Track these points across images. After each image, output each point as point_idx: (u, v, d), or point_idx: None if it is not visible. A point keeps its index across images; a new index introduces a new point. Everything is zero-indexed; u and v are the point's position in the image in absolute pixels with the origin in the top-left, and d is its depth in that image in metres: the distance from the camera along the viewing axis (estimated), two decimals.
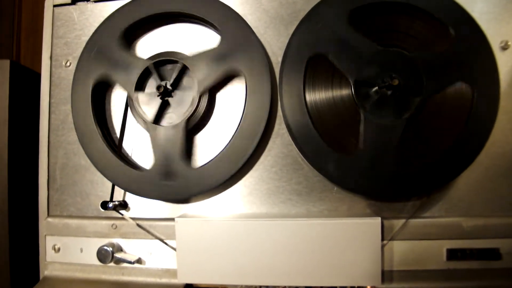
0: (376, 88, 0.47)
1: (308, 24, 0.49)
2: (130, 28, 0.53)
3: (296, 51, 0.49)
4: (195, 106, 0.50)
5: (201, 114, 0.51)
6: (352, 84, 0.47)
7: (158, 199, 0.53)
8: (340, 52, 0.48)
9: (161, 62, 0.52)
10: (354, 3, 0.48)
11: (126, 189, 0.53)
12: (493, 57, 0.46)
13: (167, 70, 0.52)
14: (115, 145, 0.54)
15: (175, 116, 0.52)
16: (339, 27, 0.48)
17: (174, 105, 0.52)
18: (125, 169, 0.51)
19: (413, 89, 0.46)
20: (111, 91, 0.56)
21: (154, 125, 0.50)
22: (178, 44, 0.54)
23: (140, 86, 0.52)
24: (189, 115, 0.50)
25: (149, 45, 0.55)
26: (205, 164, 0.50)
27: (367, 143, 0.46)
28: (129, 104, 0.54)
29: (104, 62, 0.52)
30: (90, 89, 0.52)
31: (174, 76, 0.51)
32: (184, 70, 0.51)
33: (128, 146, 0.55)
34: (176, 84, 0.52)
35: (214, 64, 0.50)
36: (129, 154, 0.55)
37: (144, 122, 0.52)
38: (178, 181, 0.49)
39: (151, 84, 0.52)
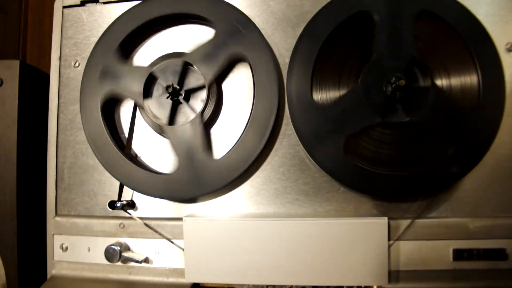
0: (386, 92, 0.47)
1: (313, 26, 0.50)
2: (126, 40, 0.53)
3: (304, 52, 0.49)
4: (206, 98, 0.50)
5: (213, 106, 0.52)
6: (360, 95, 0.47)
7: (188, 198, 0.52)
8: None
9: (164, 65, 0.52)
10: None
11: (150, 194, 0.52)
12: (498, 58, 0.47)
13: (171, 72, 0.52)
14: (123, 146, 0.55)
15: (188, 113, 0.52)
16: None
17: (185, 103, 0.52)
18: (148, 174, 0.51)
19: (420, 84, 0.47)
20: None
21: (171, 126, 0.51)
22: (178, 46, 0.55)
23: (147, 93, 0.52)
24: (203, 108, 0.50)
25: (150, 52, 0.56)
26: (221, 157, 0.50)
27: (377, 143, 0.47)
28: (140, 112, 0.54)
29: (108, 81, 0.52)
30: (99, 107, 0.52)
31: (179, 74, 0.51)
32: (186, 68, 0.52)
33: (145, 151, 0.55)
34: (182, 82, 0.52)
35: (215, 53, 0.50)
36: (142, 158, 0.55)
37: (159, 126, 0.52)
38: (206, 174, 0.49)
39: (158, 90, 0.52)
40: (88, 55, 0.54)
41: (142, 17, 0.53)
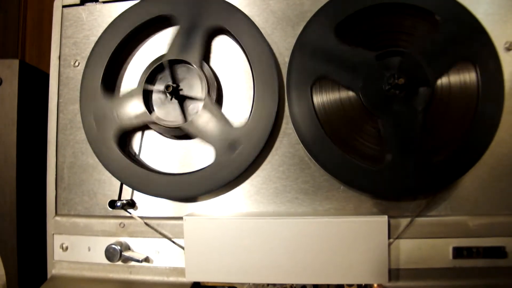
0: (385, 91, 0.47)
1: (298, 53, 0.50)
2: (105, 76, 0.53)
3: (303, 51, 0.49)
4: (205, 79, 0.50)
5: (215, 86, 0.52)
6: (360, 96, 0.48)
7: (188, 197, 0.52)
8: (337, 69, 0.48)
9: (151, 75, 0.52)
10: (341, 14, 0.49)
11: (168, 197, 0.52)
12: (497, 57, 0.47)
13: (160, 79, 0.53)
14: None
15: (196, 103, 0.52)
16: (329, 44, 0.49)
17: (189, 95, 0.52)
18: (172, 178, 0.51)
19: (419, 81, 0.47)
20: (119, 91, 0.56)
21: (189, 121, 0.50)
22: (156, 54, 0.55)
23: (149, 109, 0.52)
24: (206, 89, 0.50)
25: (133, 74, 0.56)
26: (211, 164, 0.50)
27: (390, 145, 0.47)
28: (152, 128, 0.53)
29: (109, 122, 0.52)
30: (116, 145, 0.52)
31: (169, 75, 0.52)
32: (172, 66, 0.52)
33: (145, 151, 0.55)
34: (175, 80, 0.52)
35: (189, 38, 0.51)
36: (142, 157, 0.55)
37: (177, 130, 0.51)
38: (243, 143, 0.49)
39: (157, 99, 0.53)
40: (88, 54, 0.54)
41: (111, 44, 0.53)
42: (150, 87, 0.52)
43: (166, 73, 0.52)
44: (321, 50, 0.49)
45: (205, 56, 0.53)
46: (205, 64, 0.52)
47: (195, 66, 0.51)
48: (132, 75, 0.56)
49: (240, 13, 0.52)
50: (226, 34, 0.54)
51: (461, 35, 0.47)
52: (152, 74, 0.52)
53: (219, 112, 0.50)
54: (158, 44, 0.56)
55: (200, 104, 0.51)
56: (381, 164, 0.47)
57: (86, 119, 0.53)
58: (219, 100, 0.53)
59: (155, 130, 0.54)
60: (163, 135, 0.54)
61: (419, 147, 0.46)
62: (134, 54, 0.56)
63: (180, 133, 0.52)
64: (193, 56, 0.51)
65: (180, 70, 0.53)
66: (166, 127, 0.51)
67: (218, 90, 0.53)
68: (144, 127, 0.54)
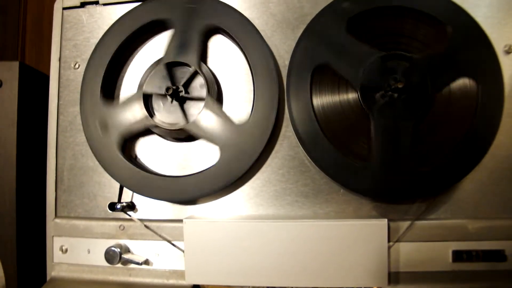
0: (383, 92, 0.47)
1: (310, 33, 0.50)
2: (104, 84, 0.53)
3: (302, 57, 0.49)
4: (204, 79, 0.51)
5: (215, 85, 0.52)
6: (358, 92, 0.48)
7: (188, 199, 0.52)
8: (342, 61, 0.48)
9: (150, 80, 0.52)
10: (352, 10, 0.49)
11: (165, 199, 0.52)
12: (497, 60, 0.47)
13: (160, 80, 0.52)
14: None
15: (197, 104, 0.52)
16: (338, 36, 0.49)
17: (189, 96, 0.52)
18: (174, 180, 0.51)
19: (419, 89, 0.47)
20: (119, 94, 0.56)
21: (191, 122, 0.50)
22: (153, 59, 0.55)
23: (149, 114, 0.52)
24: (206, 88, 0.50)
25: (133, 80, 0.56)
26: (211, 166, 0.50)
27: (378, 147, 0.47)
28: (154, 131, 0.53)
29: (111, 129, 0.52)
30: (119, 151, 0.52)
31: (168, 78, 0.51)
32: (170, 69, 0.52)
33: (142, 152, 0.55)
34: (175, 83, 0.52)
35: (186, 41, 0.51)
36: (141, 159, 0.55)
37: (180, 132, 0.51)
38: (246, 137, 0.49)
39: (158, 102, 0.53)
40: (88, 56, 0.54)
41: (108, 52, 0.53)
42: (149, 91, 0.52)
43: (165, 76, 0.52)
44: (329, 38, 0.49)
45: (203, 57, 0.53)
46: (204, 65, 0.52)
47: (193, 67, 0.51)
48: (130, 81, 0.56)
49: (236, 12, 0.52)
50: (221, 34, 0.54)
51: (469, 52, 0.47)
52: (151, 78, 0.52)
53: (221, 111, 0.50)
54: (155, 49, 0.56)
55: (201, 104, 0.51)
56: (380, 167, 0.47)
57: (86, 122, 0.53)
58: (219, 99, 0.53)
59: (156, 134, 0.54)
60: (164, 138, 0.54)
61: (406, 153, 0.46)
62: (132, 59, 0.56)
63: (182, 135, 0.52)
64: (191, 57, 0.51)
65: (179, 72, 0.53)
66: (168, 129, 0.51)
67: (218, 90, 0.53)
68: (144, 131, 0.54)
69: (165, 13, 0.53)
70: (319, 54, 0.49)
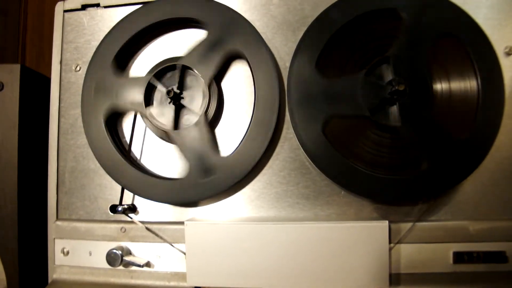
0: (390, 102, 0.48)
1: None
2: (122, 51, 0.53)
3: (304, 56, 0.49)
4: (207, 98, 0.50)
5: (216, 105, 0.52)
6: (371, 118, 0.47)
7: (190, 202, 0.52)
8: (339, 105, 0.48)
9: (161, 72, 0.52)
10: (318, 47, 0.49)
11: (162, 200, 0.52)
12: (497, 62, 0.47)
13: (169, 77, 0.53)
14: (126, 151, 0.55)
15: (192, 116, 0.52)
16: (317, 85, 0.48)
17: (187, 106, 0.52)
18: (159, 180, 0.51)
19: (419, 91, 0.47)
20: None
21: (177, 130, 0.51)
22: (173, 51, 0.55)
23: (148, 102, 0.52)
24: (205, 108, 0.50)
25: (146, 60, 0.56)
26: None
27: (377, 147, 0.47)
28: (143, 120, 0.54)
29: (105, 96, 0.53)
30: (103, 122, 0.53)
31: (177, 79, 0.52)
32: (184, 71, 0.52)
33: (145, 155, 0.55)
34: (182, 86, 0.52)
35: (210, 52, 0.51)
36: (143, 162, 0.55)
37: (164, 133, 0.52)
38: (218, 173, 0.49)
39: (158, 97, 0.53)
40: (89, 59, 0.54)
41: (136, 25, 0.53)
42: (156, 82, 0.52)
43: (176, 75, 0.52)
44: (313, 94, 0.49)
45: (219, 75, 0.53)
46: (214, 83, 0.52)
47: (203, 81, 0.51)
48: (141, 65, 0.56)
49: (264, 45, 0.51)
50: (245, 61, 0.53)
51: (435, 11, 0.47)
52: (163, 70, 0.52)
53: (208, 135, 0.50)
54: (155, 52, 0.56)
55: (194, 119, 0.51)
56: (381, 169, 0.47)
57: (88, 124, 0.53)
58: (216, 119, 0.53)
59: (146, 124, 0.54)
60: (152, 131, 0.54)
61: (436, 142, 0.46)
62: (133, 62, 0.56)
63: (166, 137, 0.53)
64: (207, 70, 0.51)
65: (190, 78, 0.53)
66: (154, 125, 0.51)
67: (218, 110, 0.52)
68: (145, 132, 0.55)
69: (203, 15, 0.52)
70: (319, 114, 0.48)
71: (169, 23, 0.54)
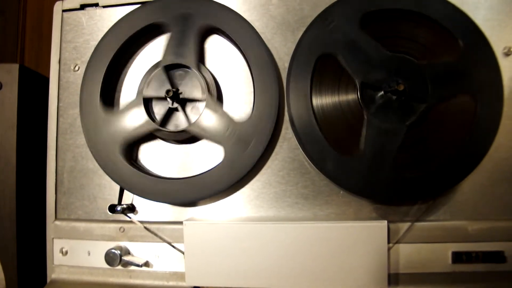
0: (382, 92, 0.48)
1: (318, 24, 0.50)
2: (104, 88, 0.53)
3: (304, 52, 0.49)
4: (203, 79, 0.51)
5: (215, 85, 0.52)
6: (358, 86, 0.48)
7: (189, 202, 0.52)
8: (350, 54, 0.48)
9: (148, 83, 0.52)
10: (367, 7, 0.49)
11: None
12: (496, 63, 0.47)
13: (159, 84, 0.52)
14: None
15: (198, 104, 0.52)
16: (351, 29, 0.48)
17: (189, 97, 0.52)
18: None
19: (418, 96, 0.47)
20: (119, 96, 0.56)
21: (194, 123, 0.50)
22: (150, 63, 0.54)
23: (151, 118, 0.52)
24: (206, 88, 0.50)
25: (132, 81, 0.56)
26: (211, 169, 0.50)
27: (367, 145, 0.47)
28: (157, 135, 0.53)
29: (112, 135, 0.52)
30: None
31: (168, 81, 0.51)
32: (169, 73, 0.52)
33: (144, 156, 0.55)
34: (175, 85, 0.52)
35: (182, 40, 0.51)
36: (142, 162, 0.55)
37: (184, 133, 0.51)
38: (249, 138, 0.49)
39: (158, 106, 0.53)
40: (88, 59, 0.54)
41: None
42: (149, 95, 0.52)
43: (164, 79, 0.51)
44: (340, 29, 0.49)
45: (201, 58, 0.53)
46: (202, 65, 0.52)
47: (192, 69, 0.51)
48: (130, 85, 0.56)
49: (231, 12, 0.52)
50: (218, 34, 0.54)
51: (477, 70, 0.47)
52: (150, 82, 0.52)
53: (222, 110, 0.50)
54: (154, 53, 0.55)
55: (201, 105, 0.51)
56: (381, 169, 0.47)
57: (86, 124, 0.53)
58: (219, 99, 0.53)
59: (158, 137, 0.54)
60: (166, 140, 0.54)
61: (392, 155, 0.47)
62: (132, 62, 0.56)
63: (184, 137, 0.52)
64: (189, 58, 0.51)
65: (177, 75, 0.53)
66: (171, 132, 0.51)
67: (217, 90, 0.53)
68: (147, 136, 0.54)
69: (161, 17, 0.53)
70: (327, 44, 0.49)
71: (133, 40, 0.54)
